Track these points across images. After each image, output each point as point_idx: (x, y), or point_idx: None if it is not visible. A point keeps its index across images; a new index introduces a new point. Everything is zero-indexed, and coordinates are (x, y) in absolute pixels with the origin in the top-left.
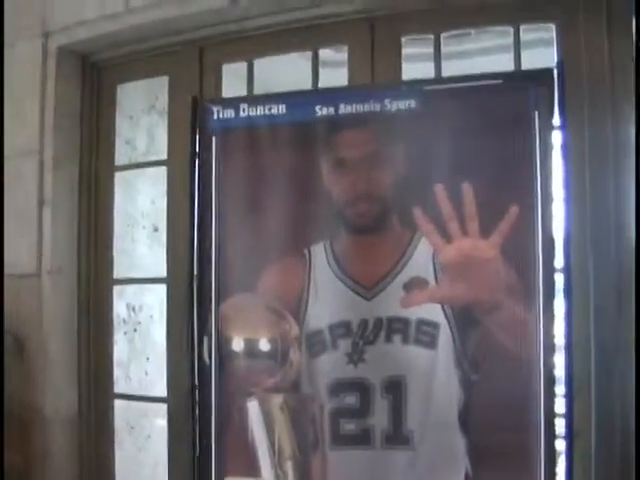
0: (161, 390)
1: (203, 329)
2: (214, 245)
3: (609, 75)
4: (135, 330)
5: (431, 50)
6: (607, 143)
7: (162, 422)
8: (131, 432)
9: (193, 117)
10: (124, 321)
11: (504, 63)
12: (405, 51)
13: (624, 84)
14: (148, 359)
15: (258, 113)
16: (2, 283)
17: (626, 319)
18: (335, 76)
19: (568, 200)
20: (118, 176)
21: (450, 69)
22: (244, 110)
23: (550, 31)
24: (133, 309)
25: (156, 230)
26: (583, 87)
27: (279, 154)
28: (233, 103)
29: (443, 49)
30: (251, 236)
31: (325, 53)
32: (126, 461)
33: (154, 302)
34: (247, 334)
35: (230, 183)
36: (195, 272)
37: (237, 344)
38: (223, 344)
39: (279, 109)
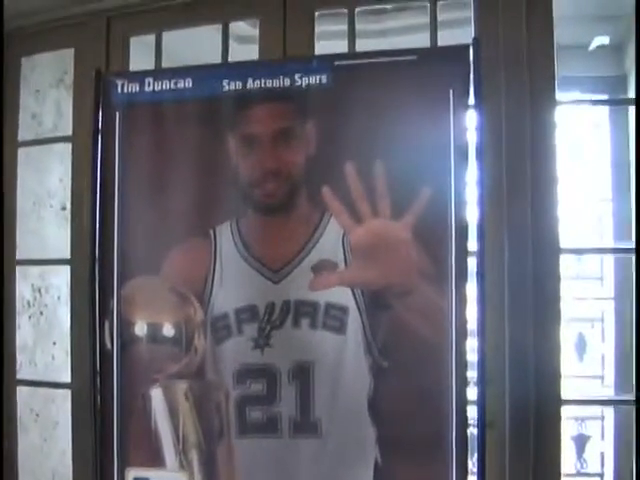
0: (68, 376)
1: (105, 313)
2: (116, 225)
3: (527, 54)
4: (41, 313)
5: (346, 27)
6: (524, 124)
7: (69, 409)
8: (37, 420)
9: (96, 91)
10: (29, 303)
11: (422, 43)
12: (320, 28)
13: (542, 64)
14: (55, 343)
15: (164, 87)
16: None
17: (541, 307)
18: (248, 51)
19: (482, 183)
20: (23, 152)
21: (367, 48)
22: (149, 84)
23: (468, 9)
24: (39, 291)
25: (64, 209)
26: (500, 66)
27: (185, 130)
28: (138, 77)
29: (358, 27)
30: (155, 215)
31: (239, 27)
32: (30, 451)
33: (61, 284)
34: (150, 318)
35: (134, 160)
36: (97, 253)
37: (140, 328)
38: (125, 328)
39: (185, 83)
